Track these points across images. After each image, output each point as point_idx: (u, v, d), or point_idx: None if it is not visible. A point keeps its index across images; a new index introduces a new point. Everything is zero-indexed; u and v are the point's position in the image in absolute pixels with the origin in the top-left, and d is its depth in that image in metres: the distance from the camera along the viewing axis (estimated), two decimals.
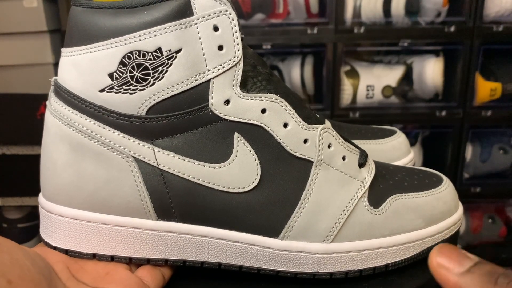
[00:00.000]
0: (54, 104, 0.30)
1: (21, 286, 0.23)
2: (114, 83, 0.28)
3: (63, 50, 0.30)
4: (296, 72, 1.07)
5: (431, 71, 1.04)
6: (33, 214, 1.15)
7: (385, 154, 0.45)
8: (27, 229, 1.15)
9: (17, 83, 1.05)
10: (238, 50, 0.29)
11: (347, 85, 1.05)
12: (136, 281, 0.29)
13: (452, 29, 0.99)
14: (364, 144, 0.45)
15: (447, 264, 0.22)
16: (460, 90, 1.03)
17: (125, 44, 0.27)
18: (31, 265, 0.24)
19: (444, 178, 0.36)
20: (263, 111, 0.30)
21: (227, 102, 0.29)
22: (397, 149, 0.46)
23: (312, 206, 0.31)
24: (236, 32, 0.29)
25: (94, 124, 0.29)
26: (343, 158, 0.32)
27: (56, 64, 1.04)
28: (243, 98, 0.29)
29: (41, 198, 0.32)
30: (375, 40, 1.05)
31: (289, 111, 0.31)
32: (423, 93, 1.08)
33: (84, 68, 0.28)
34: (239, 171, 0.30)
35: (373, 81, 1.06)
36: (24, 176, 1.05)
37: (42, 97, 1.01)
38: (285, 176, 0.31)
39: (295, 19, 1.04)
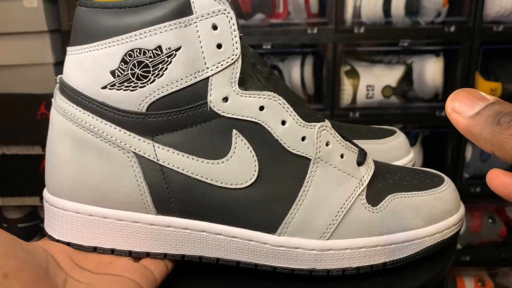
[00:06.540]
0: (59, 101, 0.31)
1: (18, 278, 0.22)
2: (116, 80, 0.29)
3: (68, 48, 0.30)
4: (296, 72, 1.06)
5: (431, 71, 1.04)
6: (33, 214, 1.15)
7: (385, 154, 0.45)
8: (27, 229, 1.14)
9: (17, 83, 1.04)
10: (237, 49, 0.29)
11: (347, 85, 1.05)
12: (139, 267, 0.30)
13: (452, 29, 0.98)
14: (364, 144, 0.45)
15: (459, 108, 0.22)
16: None
17: (127, 42, 0.28)
18: (27, 256, 0.24)
19: (446, 178, 0.36)
20: (261, 108, 0.30)
21: (225, 99, 0.29)
22: (397, 149, 0.46)
23: (309, 203, 0.31)
24: (234, 30, 0.29)
25: (97, 120, 0.30)
26: (341, 156, 0.32)
27: (56, 64, 1.04)
28: (241, 96, 0.30)
29: (45, 192, 0.33)
30: (375, 40, 1.05)
31: (287, 109, 0.31)
32: (423, 93, 1.08)
33: (88, 65, 0.29)
34: (237, 167, 0.30)
35: (373, 81, 1.05)
36: (24, 176, 1.05)
37: (42, 97, 1.01)
38: (282, 173, 0.31)
39: (295, 19, 1.04)
